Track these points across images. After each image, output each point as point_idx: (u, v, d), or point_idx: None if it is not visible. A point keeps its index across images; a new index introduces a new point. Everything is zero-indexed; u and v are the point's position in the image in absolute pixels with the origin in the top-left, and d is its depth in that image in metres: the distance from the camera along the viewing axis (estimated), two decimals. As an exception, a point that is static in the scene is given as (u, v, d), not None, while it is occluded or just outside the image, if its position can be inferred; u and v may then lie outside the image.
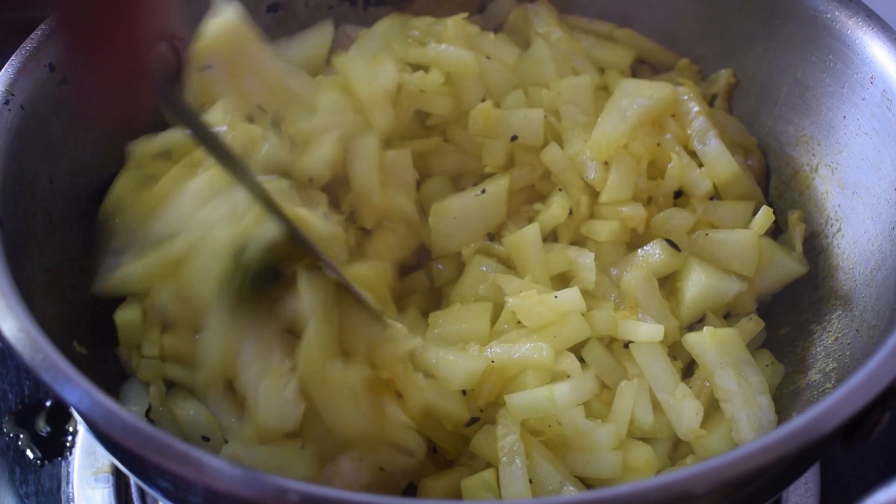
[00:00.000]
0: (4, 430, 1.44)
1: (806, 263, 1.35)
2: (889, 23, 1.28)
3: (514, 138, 1.39)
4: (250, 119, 1.33)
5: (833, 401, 0.94)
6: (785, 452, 0.90)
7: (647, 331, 1.25)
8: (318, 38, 1.50)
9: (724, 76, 1.49)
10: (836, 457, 1.39)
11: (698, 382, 1.25)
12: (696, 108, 1.39)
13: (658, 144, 1.37)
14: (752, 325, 1.32)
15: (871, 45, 1.27)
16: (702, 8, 1.48)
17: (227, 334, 1.13)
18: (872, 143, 1.27)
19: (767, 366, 1.29)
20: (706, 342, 1.24)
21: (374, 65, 1.38)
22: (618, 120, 1.36)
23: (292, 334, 1.15)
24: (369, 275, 1.28)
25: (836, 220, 1.33)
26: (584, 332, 1.25)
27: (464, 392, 1.22)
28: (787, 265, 1.34)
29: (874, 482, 0.93)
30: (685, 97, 1.40)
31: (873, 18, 1.28)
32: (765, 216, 1.33)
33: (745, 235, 1.32)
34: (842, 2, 1.31)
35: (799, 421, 0.92)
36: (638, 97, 1.38)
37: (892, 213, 1.22)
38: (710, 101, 1.49)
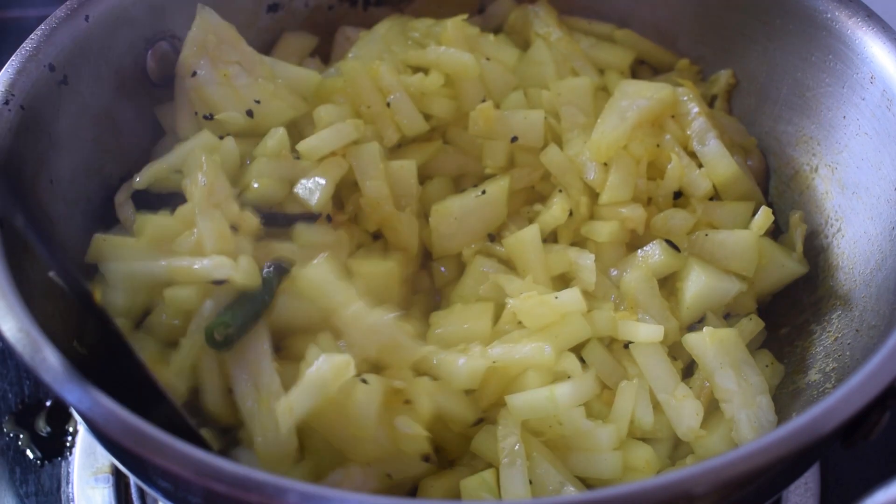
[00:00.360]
0: (4, 430, 1.44)
1: (806, 264, 1.35)
2: (889, 23, 1.28)
3: (514, 139, 1.39)
4: (249, 113, 1.33)
5: (833, 401, 0.94)
6: (785, 452, 0.90)
7: (647, 331, 1.25)
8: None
9: (723, 76, 1.48)
10: (836, 457, 1.39)
11: (698, 382, 1.25)
12: (696, 109, 1.39)
13: (658, 145, 1.37)
14: (752, 325, 1.32)
15: (871, 45, 1.27)
16: (701, 8, 1.48)
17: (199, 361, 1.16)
18: (872, 143, 1.27)
19: (767, 366, 1.29)
20: (706, 342, 1.24)
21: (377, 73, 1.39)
22: (617, 121, 1.36)
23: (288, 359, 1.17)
24: (379, 273, 1.29)
25: (836, 220, 1.33)
26: (584, 332, 1.25)
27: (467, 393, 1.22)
28: (787, 265, 1.34)
29: (874, 482, 0.93)
30: (684, 98, 1.40)
31: (873, 18, 1.28)
32: (764, 216, 1.33)
33: (744, 236, 1.32)
34: (842, 2, 1.31)
35: (799, 421, 0.92)
36: (637, 98, 1.38)
37: (892, 213, 1.22)
38: (709, 101, 1.49)
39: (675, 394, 1.22)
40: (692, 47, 1.52)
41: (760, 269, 1.33)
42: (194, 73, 1.33)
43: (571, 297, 1.25)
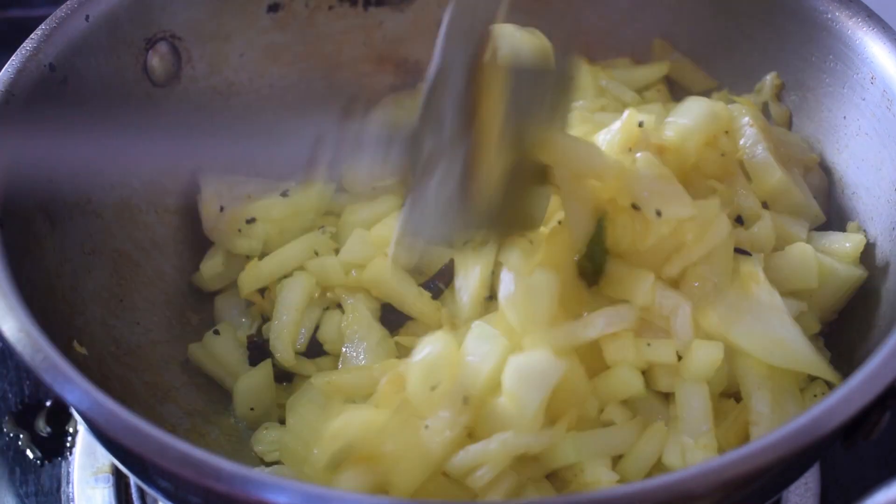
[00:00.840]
0: (4, 430, 1.44)
1: (863, 267, 1.25)
2: (889, 23, 1.28)
3: None
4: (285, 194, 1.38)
5: (833, 401, 0.94)
6: (785, 452, 0.90)
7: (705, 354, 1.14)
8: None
9: (768, 81, 1.43)
10: (836, 457, 1.39)
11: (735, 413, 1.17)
12: (747, 120, 1.31)
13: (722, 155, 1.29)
14: None
15: (871, 45, 1.27)
16: (702, 8, 1.48)
17: None
18: (872, 143, 1.27)
19: (815, 396, 1.18)
20: (750, 364, 1.15)
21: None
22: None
23: None
24: None
25: (836, 221, 1.33)
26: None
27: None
28: (841, 270, 1.23)
29: (874, 482, 0.93)
30: (737, 114, 1.32)
31: (873, 18, 1.28)
32: (858, 239, 1.25)
33: (802, 249, 1.24)
34: (842, 2, 1.31)
35: (799, 421, 0.92)
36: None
37: (892, 213, 1.22)
38: (762, 109, 1.43)
39: (699, 441, 1.12)
40: (693, 47, 1.52)
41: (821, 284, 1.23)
42: (221, 209, 1.38)
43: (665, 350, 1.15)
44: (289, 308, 1.34)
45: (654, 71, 1.53)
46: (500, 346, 1.11)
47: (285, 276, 1.37)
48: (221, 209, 1.38)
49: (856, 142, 1.30)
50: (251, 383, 1.31)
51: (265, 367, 1.32)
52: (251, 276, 1.37)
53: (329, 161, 1.03)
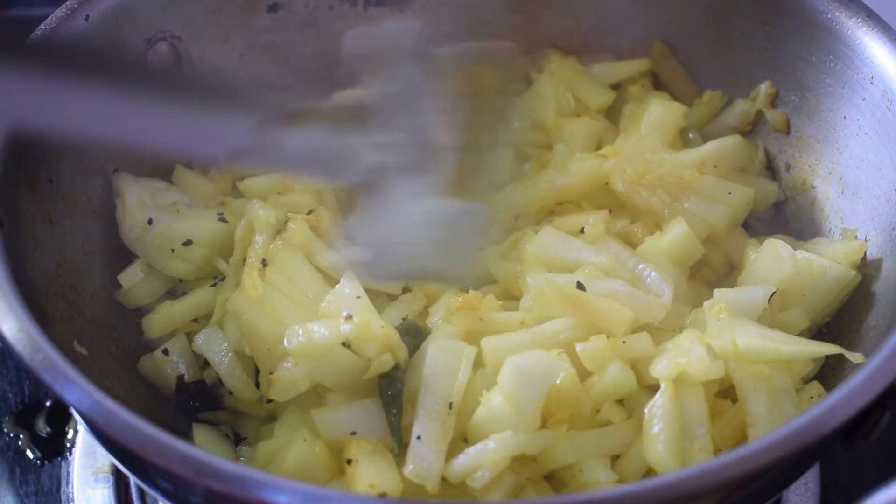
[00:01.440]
0: (4, 430, 1.44)
1: (857, 271, 1.24)
2: (889, 23, 1.28)
3: None
4: (222, 218, 1.31)
5: (833, 401, 0.94)
6: (785, 452, 0.90)
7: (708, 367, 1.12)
8: None
9: (763, 88, 1.44)
10: (836, 457, 1.39)
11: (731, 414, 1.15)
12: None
13: None
14: (803, 364, 1.18)
15: (871, 45, 1.27)
16: (701, 9, 1.48)
17: None
18: (872, 143, 1.27)
19: (812, 398, 1.17)
20: (745, 367, 1.13)
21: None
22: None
23: None
24: None
25: (837, 221, 1.33)
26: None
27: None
28: (832, 270, 1.22)
29: (874, 482, 0.93)
30: None
31: (873, 18, 1.28)
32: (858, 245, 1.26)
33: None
34: (842, 2, 1.31)
35: (799, 421, 0.92)
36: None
37: (892, 213, 1.22)
38: (754, 117, 1.45)
39: (695, 444, 1.09)
40: (693, 48, 1.52)
41: (802, 283, 1.22)
42: (150, 221, 1.29)
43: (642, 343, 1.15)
44: (226, 353, 1.24)
45: (634, 66, 1.53)
46: (468, 353, 1.12)
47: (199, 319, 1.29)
48: (150, 221, 1.29)
49: (856, 142, 1.30)
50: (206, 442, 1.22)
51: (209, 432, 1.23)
52: (162, 321, 1.28)
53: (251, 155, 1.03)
